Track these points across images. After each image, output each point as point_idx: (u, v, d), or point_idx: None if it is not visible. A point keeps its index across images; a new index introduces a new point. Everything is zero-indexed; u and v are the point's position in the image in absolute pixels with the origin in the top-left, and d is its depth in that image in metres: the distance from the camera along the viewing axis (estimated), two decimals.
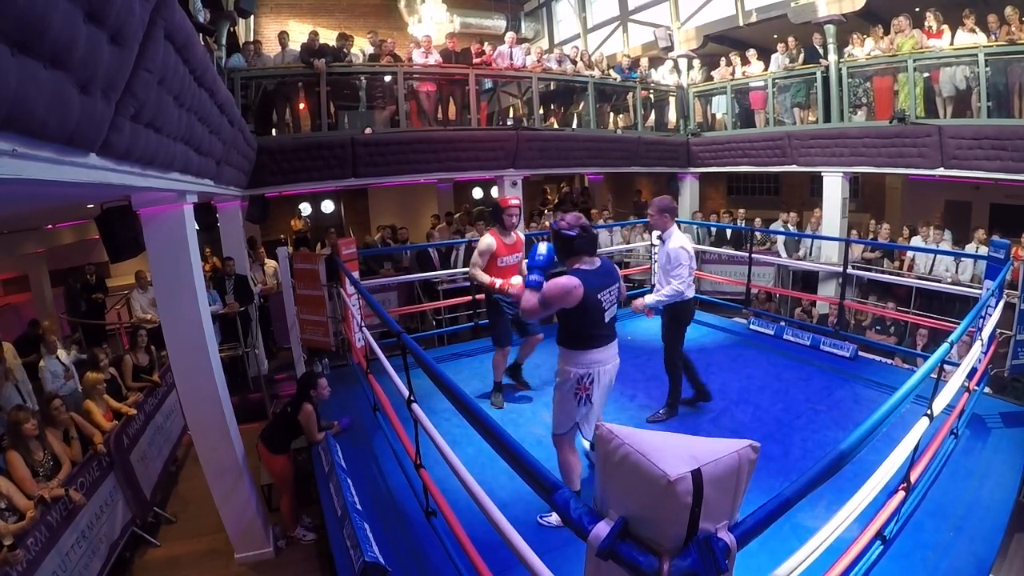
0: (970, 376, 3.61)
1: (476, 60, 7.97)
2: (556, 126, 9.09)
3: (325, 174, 6.81)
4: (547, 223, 8.48)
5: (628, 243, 8.58)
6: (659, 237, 3.89)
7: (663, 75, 9.80)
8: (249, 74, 6.53)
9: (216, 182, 4.03)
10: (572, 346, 2.72)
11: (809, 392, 4.46)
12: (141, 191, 2.91)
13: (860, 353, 5.17)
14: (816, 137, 7.73)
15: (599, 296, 2.65)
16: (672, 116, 9.84)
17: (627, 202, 12.27)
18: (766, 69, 8.49)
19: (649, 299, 3.78)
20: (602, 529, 1.12)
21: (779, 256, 8.13)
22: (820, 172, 7.89)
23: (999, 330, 4.27)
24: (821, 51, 7.64)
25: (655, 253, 6.75)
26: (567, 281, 2.57)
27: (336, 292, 5.43)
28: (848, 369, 4.90)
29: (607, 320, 2.72)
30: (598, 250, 2.88)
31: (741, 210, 9.30)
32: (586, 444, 3.01)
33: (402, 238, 8.19)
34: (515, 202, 4.19)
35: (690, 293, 3.82)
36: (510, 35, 8.74)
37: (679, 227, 3.88)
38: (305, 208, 11.17)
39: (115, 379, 4.88)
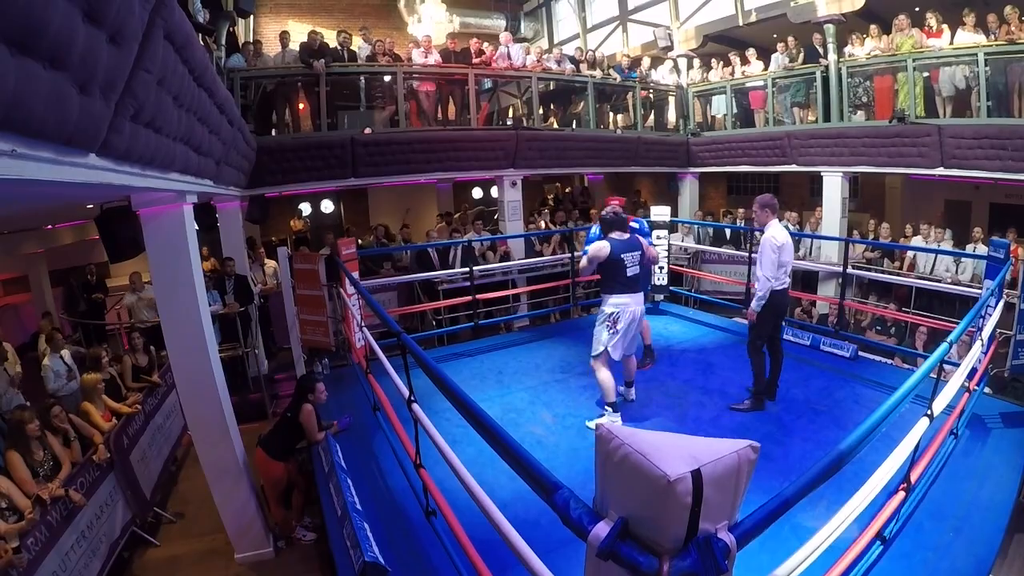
0: (970, 376, 3.61)
1: (476, 60, 7.97)
2: (556, 126, 9.08)
3: (325, 174, 6.81)
4: (542, 223, 8.57)
5: None
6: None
7: (663, 75, 9.79)
8: (249, 74, 6.53)
9: (216, 182, 4.02)
10: (606, 291, 4.01)
11: (809, 392, 4.47)
12: (141, 191, 2.91)
13: (860, 353, 5.17)
14: (816, 137, 7.72)
15: (622, 256, 3.91)
16: (672, 116, 9.83)
17: (627, 202, 12.25)
18: (766, 69, 8.47)
19: (753, 304, 4.08)
20: (602, 529, 1.12)
21: None
22: (820, 172, 7.88)
23: (999, 330, 4.27)
24: (821, 51, 7.63)
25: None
26: (600, 244, 3.96)
27: (336, 292, 5.42)
28: (848, 369, 4.90)
29: (630, 275, 3.94)
30: None
31: (741, 210, 9.28)
32: (616, 357, 4.04)
33: (404, 236, 8.10)
34: (615, 202, 4.81)
35: (779, 284, 3.99)
36: (505, 34, 8.73)
37: (778, 220, 4.06)
38: (305, 208, 11.16)
39: (114, 379, 4.88)
